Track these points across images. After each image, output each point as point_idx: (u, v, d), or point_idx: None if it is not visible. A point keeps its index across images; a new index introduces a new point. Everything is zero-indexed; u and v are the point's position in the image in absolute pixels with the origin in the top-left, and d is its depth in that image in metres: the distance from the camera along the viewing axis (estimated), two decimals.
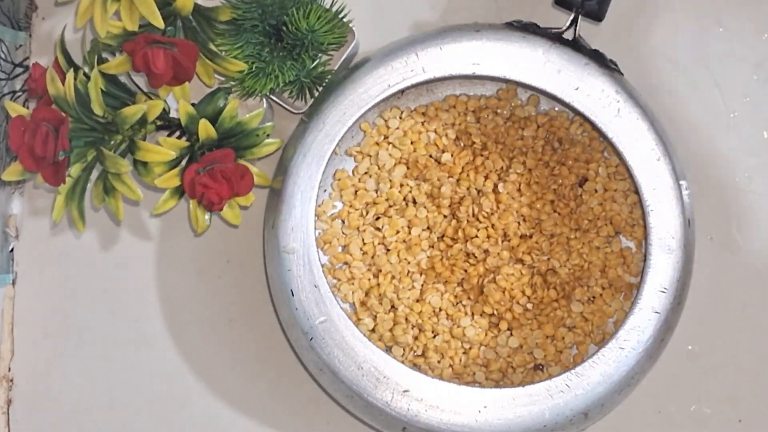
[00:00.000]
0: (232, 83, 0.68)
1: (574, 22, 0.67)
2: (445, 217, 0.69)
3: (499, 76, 0.66)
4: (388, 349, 0.68)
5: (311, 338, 0.65)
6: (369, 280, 0.69)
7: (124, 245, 0.75)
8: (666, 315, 0.65)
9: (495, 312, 0.68)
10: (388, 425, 0.66)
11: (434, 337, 0.68)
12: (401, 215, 0.69)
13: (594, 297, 0.68)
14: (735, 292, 0.73)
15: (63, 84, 0.62)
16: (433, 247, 0.69)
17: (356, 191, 0.70)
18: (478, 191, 0.69)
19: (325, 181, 0.70)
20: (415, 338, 0.68)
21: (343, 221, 0.70)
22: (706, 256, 0.72)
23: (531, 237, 0.69)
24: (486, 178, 0.69)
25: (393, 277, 0.68)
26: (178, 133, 0.68)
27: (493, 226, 0.68)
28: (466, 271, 0.68)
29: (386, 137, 0.70)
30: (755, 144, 0.74)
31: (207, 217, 0.66)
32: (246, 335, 0.75)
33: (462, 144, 0.70)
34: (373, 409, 0.65)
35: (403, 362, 0.65)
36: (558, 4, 0.68)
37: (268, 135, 0.66)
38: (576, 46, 0.67)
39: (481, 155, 0.69)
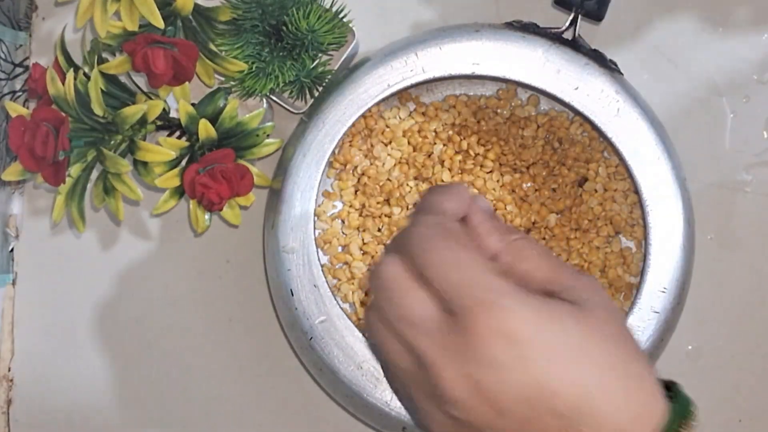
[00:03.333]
0: (232, 83, 0.68)
1: (574, 22, 0.67)
2: None
3: (499, 76, 0.66)
4: None
5: (311, 338, 0.65)
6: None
7: (124, 245, 0.75)
8: (666, 315, 0.65)
9: None
10: (388, 425, 0.66)
11: None
12: (401, 215, 0.69)
13: None
14: (735, 292, 0.73)
15: (63, 84, 0.62)
16: None
17: (356, 191, 0.70)
18: (478, 191, 0.69)
19: (325, 181, 0.70)
20: None
21: (343, 221, 0.70)
22: (706, 256, 0.72)
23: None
24: (485, 178, 0.69)
25: None
26: (178, 133, 0.68)
27: None
28: None
29: (386, 137, 0.70)
30: (755, 144, 0.74)
31: (207, 217, 0.66)
32: (246, 335, 0.75)
33: (461, 143, 0.70)
34: (373, 409, 0.65)
35: None
36: (558, 4, 0.68)
37: (268, 135, 0.66)
38: (576, 46, 0.67)
39: (481, 155, 0.69)
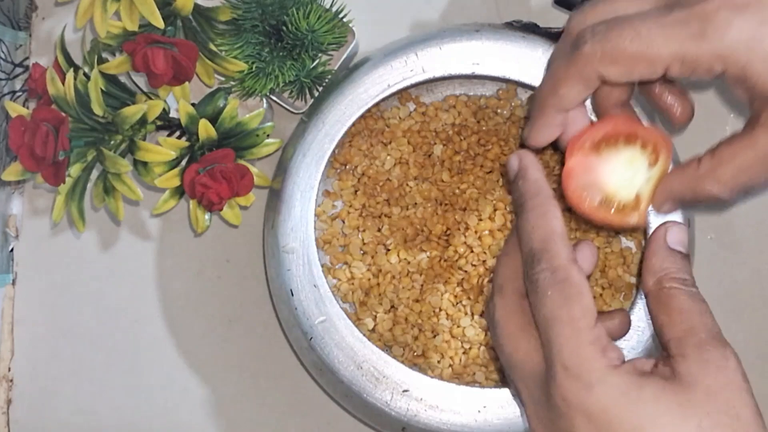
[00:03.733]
0: (232, 83, 0.68)
1: None
2: (445, 217, 0.69)
3: (499, 76, 0.66)
4: (388, 349, 0.68)
5: (311, 338, 0.65)
6: (369, 280, 0.69)
7: (124, 245, 0.75)
8: None
9: None
10: (387, 425, 0.66)
11: (434, 337, 0.68)
12: (401, 215, 0.69)
13: (594, 297, 0.68)
14: (735, 292, 0.73)
15: (63, 84, 0.62)
16: (433, 247, 0.69)
17: (356, 191, 0.70)
18: (478, 191, 0.69)
19: (325, 181, 0.70)
20: (415, 338, 0.68)
21: (343, 221, 0.70)
22: (706, 256, 0.72)
23: None
24: (485, 178, 0.69)
25: (393, 277, 0.68)
26: (178, 133, 0.68)
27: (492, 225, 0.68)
28: (466, 271, 0.68)
29: (386, 137, 0.70)
30: None
31: (207, 217, 0.66)
32: (246, 335, 0.75)
33: (461, 143, 0.70)
34: (372, 409, 0.65)
35: (402, 362, 0.65)
36: (558, 4, 0.68)
37: (268, 135, 0.66)
38: None
39: (481, 155, 0.69)
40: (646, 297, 0.46)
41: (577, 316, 0.42)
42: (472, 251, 0.68)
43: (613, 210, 0.46)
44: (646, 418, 0.39)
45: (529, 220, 0.46)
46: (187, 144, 0.65)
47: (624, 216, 0.47)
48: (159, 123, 0.67)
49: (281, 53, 0.67)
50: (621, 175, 0.47)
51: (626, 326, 0.49)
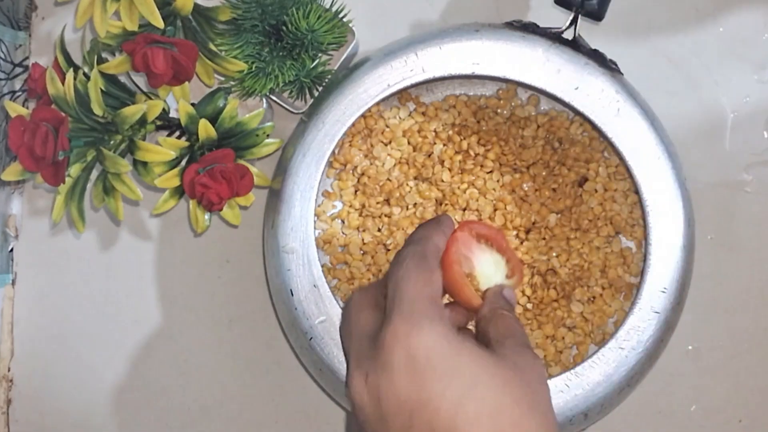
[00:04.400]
0: (232, 83, 0.68)
1: (574, 21, 0.67)
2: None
3: (499, 76, 0.66)
4: None
5: (311, 338, 0.65)
6: (369, 280, 0.69)
7: (124, 245, 0.75)
8: (666, 315, 0.65)
9: None
10: None
11: None
12: (401, 215, 0.69)
13: (594, 297, 0.68)
14: (735, 292, 0.73)
15: (63, 84, 0.62)
16: None
17: (356, 191, 0.70)
18: (478, 191, 0.69)
19: (325, 181, 0.70)
20: None
21: (343, 221, 0.70)
22: (706, 256, 0.72)
23: (530, 237, 0.69)
24: (485, 178, 0.69)
25: None
26: (178, 133, 0.68)
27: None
28: None
29: (386, 137, 0.70)
30: (755, 144, 0.74)
31: (207, 217, 0.66)
32: (246, 335, 0.75)
33: (461, 143, 0.70)
34: None
35: None
36: (558, 4, 0.68)
37: (268, 135, 0.66)
38: (576, 45, 0.67)
39: (481, 155, 0.69)
40: (478, 322, 0.52)
41: (424, 280, 0.47)
42: None
43: (468, 288, 0.53)
44: (461, 362, 0.44)
45: (427, 228, 0.53)
46: (186, 144, 0.65)
47: (475, 297, 0.53)
48: (159, 123, 0.67)
49: (281, 53, 0.67)
50: (487, 268, 0.55)
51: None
